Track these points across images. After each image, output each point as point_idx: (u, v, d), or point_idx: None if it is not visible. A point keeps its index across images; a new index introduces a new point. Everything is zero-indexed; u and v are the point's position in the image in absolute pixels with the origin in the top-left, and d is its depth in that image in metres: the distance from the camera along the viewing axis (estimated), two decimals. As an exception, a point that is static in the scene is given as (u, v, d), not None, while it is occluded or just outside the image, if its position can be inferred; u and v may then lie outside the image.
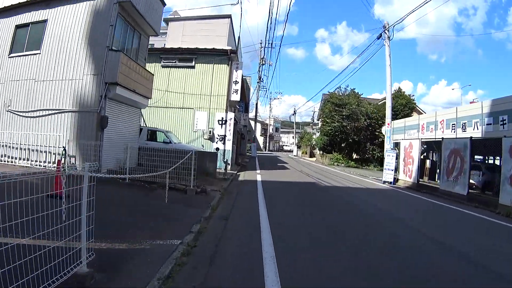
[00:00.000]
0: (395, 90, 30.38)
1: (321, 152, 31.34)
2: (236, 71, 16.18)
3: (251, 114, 44.65)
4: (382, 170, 17.42)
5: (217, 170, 13.04)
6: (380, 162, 27.19)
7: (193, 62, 15.92)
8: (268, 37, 67.96)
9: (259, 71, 33.73)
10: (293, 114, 47.58)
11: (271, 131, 66.34)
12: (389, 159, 15.36)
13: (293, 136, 62.30)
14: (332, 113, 27.28)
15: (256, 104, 33.53)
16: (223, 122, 15.38)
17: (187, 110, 16.08)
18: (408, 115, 27.68)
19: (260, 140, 63.03)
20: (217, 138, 15.46)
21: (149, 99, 11.82)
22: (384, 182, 15.03)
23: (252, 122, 63.81)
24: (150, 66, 14.09)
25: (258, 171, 16.51)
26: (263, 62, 33.89)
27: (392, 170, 15.08)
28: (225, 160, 14.12)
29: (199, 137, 15.76)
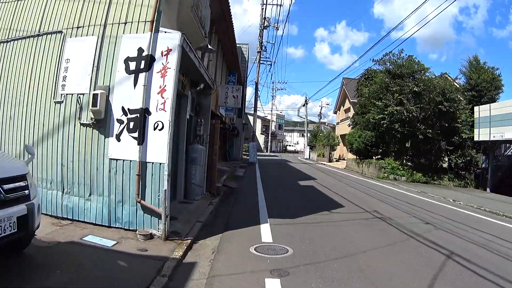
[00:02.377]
0: (470, 61, 19.49)
1: (356, 156, 20.24)
2: None
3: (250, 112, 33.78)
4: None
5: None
6: (456, 173, 16.32)
7: None
8: None
9: (260, 36, 22.75)
10: (303, 105, 36.62)
11: (273, 128, 55.28)
12: None
13: (303, 134, 51.20)
14: (386, 91, 16.22)
15: (256, 86, 22.63)
16: (146, 65, 4.35)
17: (46, 40, 5.18)
18: (494, 98, 16.83)
19: (261, 139, 51.95)
20: (124, 122, 4.41)
21: None
22: None
23: (251, 118, 52.80)
24: None
25: (263, 243, 5.41)
26: (266, 23, 22.91)
27: None
28: (158, 197, 3.16)
29: (67, 119, 4.76)
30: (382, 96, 16.26)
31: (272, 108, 51.16)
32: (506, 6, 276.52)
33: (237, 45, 16.95)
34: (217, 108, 12.92)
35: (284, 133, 64.23)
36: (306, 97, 35.98)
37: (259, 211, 6.15)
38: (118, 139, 4.40)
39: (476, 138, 14.81)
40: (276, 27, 23.32)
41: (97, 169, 4.60)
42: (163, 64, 4.31)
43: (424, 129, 15.49)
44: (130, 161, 4.30)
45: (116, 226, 4.55)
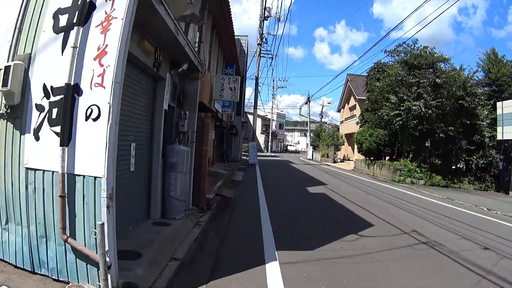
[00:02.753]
0: (487, 53, 17.89)
1: (366, 157, 18.57)
2: None
3: (249, 110, 32.10)
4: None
5: None
6: (476, 175, 14.64)
7: None
8: None
9: (260, 27, 21.02)
10: (306, 103, 34.86)
11: (274, 127, 53.59)
12: None
13: (305, 133, 49.57)
14: (401, 85, 14.53)
15: (256, 81, 20.90)
16: (81, 16, 2.67)
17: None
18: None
19: (261, 138, 50.29)
20: (45, 109, 2.72)
21: None
22: None
23: (251, 117, 51.24)
24: None
25: None
26: (267, 13, 21.20)
27: None
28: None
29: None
30: (397, 90, 14.57)
31: (272, 107, 49.49)
32: (504, 7, 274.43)
33: (236, 36, 15.29)
34: (212, 102, 11.23)
35: (285, 133, 62.54)
36: (308, 95, 34.26)
37: (263, 238, 4.45)
38: (37, 137, 2.71)
39: (499, 137, 13.20)
40: (278, 18, 21.59)
41: (12, 184, 2.93)
42: (106, 12, 2.62)
43: (444, 127, 13.80)
44: (53, 172, 2.62)
45: (42, 273, 2.88)
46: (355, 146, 27.37)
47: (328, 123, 38.30)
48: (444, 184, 14.00)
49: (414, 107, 13.31)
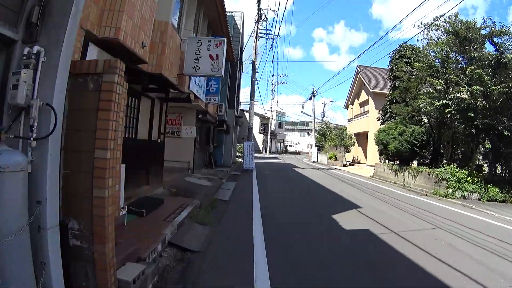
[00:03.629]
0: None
1: (392, 161, 14.80)
2: None
3: (244, 102, 27.57)
4: None
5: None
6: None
7: None
8: None
9: (258, 1, 17.18)
10: (310, 98, 30.89)
11: (273, 127, 49.81)
12: None
13: (308, 133, 45.73)
14: (446, 65, 10.75)
15: (254, 66, 16.99)
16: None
17: None
18: None
19: (259, 138, 46.53)
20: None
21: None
22: None
23: (247, 114, 47.70)
24: None
25: None
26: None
27: None
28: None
29: None
30: (442, 72, 10.80)
31: (272, 104, 45.73)
32: (504, 8, 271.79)
33: (228, 12, 11.56)
34: (185, 82, 7.42)
35: (285, 132, 58.77)
36: (313, 89, 30.29)
37: None
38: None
39: None
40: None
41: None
42: None
43: (508, 121, 10.06)
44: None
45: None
46: (369, 148, 23.75)
47: (328, 122, 34.66)
48: (502, 198, 10.29)
49: (471, 93, 9.52)
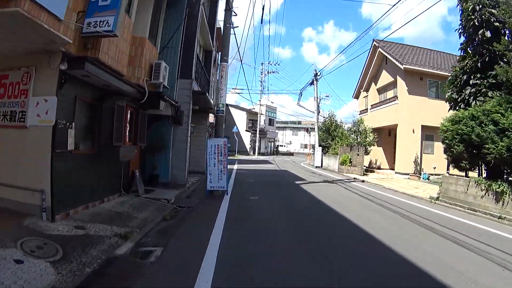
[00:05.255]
0: None
1: (490, 172, 7.69)
2: None
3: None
4: None
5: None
6: None
7: None
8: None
9: None
10: (311, 83, 23.66)
11: (262, 123, 42.61)
12: None
13: (308, 129, 38.66)
14: None
15: (228, 7, 9.77)
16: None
17: None
18: None
19: (246, 137, 39.25)
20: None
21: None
22: None
23: (234, 111, 41.08)
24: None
25: None
26: None
27: None
28: None
29: None
30: None
31: (261, 95, 38.56)
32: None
33: None
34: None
35: (276, 131, 51.71)
36: (315, 71, 23.03)
37: None
38: None
39: None
40: None
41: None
42: None
43: None
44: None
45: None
46: (399, 148, 16.86)
47: (334, 115, 27.45)
48: None
49: None
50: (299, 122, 65.40)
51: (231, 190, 8.72)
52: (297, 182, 11.94)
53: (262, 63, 39.64)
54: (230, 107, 39.79)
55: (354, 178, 15.02)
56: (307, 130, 38.16)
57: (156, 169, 8.45)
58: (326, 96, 50.94)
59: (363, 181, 14.03)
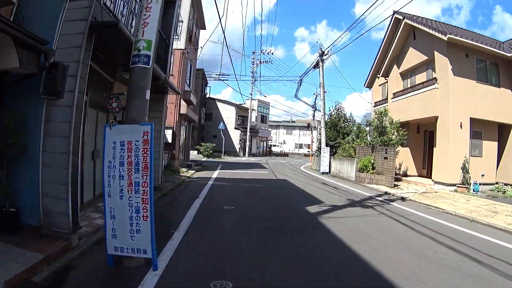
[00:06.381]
0: None
1: None
2: None
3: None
4: None
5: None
6: None
7: None
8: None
9: None
10: (315, 66, 18.91)
11: (253, 120, 37.86)
12: None
13: (308, 125, 33.89)
14: None
15: None
16: None
17: None
18: None
19: (235, 135, 34.41)
20: None
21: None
22: None
23: (221, 105, 36.51)
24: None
25: None
26: None
27: None
28: None
29: None
30: None
31: (252, 87, 33.86)
32: (489, 8, 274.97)
33: None
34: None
35: (269, 129, 47.03)
36: (320, 49, 18.19)
37: None
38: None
39: None
40: None
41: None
42: None
43: None
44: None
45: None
46: (440, 148, 12.21)
47: (341, 108, 22.70)
48: None
49: None
50: (293, 121, 60.98)
51: (171, 253, 3.90)
52: (311, 211, 7.16)
53: (253, 52, 34.75)
54: (217, 102, 34.92)
55: (386, 193, 10.43)
56: (308, 125, 33.45)
57: (12, 195, 3.62)
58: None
59: (403, 198, 9.42)
